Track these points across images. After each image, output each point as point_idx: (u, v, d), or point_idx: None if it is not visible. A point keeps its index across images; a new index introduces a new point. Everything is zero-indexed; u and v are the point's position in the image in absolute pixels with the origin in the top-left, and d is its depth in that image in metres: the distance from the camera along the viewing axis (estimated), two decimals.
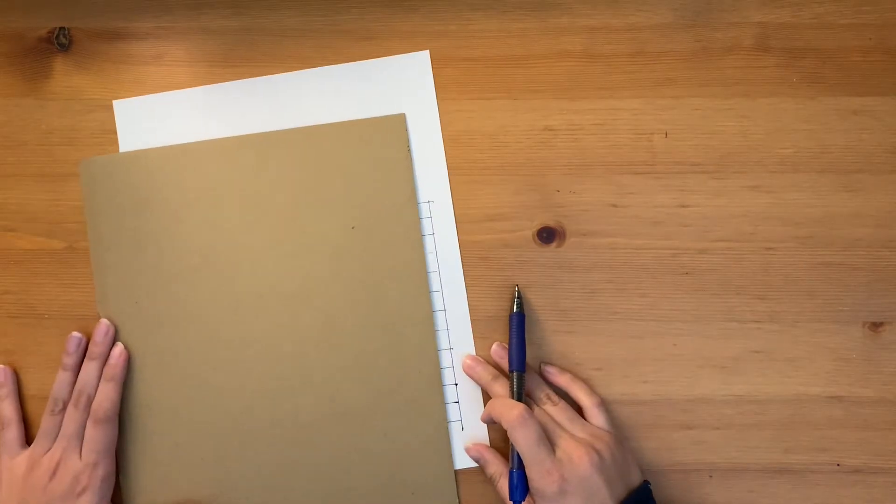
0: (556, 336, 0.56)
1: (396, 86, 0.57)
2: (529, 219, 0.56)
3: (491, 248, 0.56)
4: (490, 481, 0.53)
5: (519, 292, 0.54)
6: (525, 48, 0.58)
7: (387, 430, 0.54)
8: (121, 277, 0.55)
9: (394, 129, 0.56)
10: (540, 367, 0.55)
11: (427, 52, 0.57)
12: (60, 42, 0.58)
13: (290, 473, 0.54)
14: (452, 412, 0.55)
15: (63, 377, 0.54)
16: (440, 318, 0.56)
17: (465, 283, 0.56)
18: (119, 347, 0.54)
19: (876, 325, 0.55)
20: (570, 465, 0.48)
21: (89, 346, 0.54)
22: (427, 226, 0.56)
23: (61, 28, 0.58)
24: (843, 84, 0.57)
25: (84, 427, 0.52)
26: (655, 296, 0.56)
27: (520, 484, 0.50)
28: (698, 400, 0.55)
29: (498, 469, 0.52)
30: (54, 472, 0.51)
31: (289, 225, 0.56)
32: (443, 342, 0.55)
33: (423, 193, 0.57)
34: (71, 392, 0.53)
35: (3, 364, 0.56)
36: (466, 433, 0.55)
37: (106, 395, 0.53)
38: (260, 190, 0.56)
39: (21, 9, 0.58)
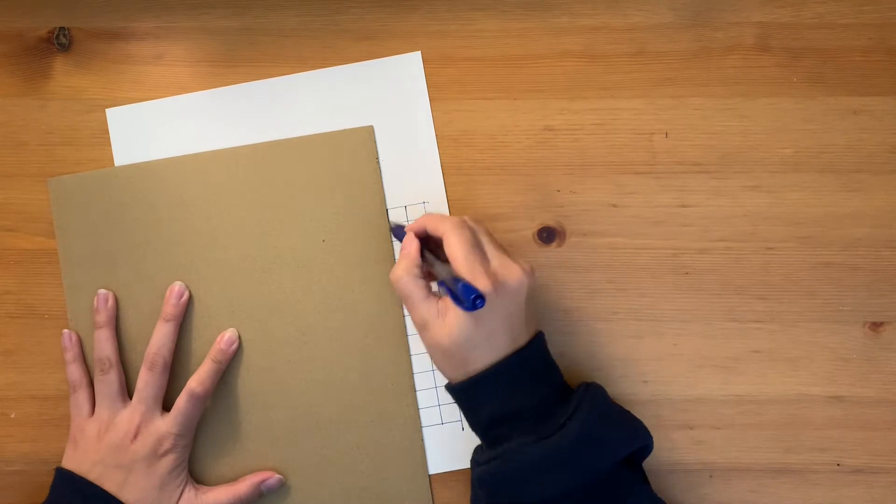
0: (556, 336, 0.56)
1: (389, 87, 0.57)
2: (529, 219, 0.56)
3: None
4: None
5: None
6: (525, 48, 0.58)
7: (360, 441, 0.54)
8: (93, 296, 0.55)
9: (362, 141, 0.56)
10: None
11: (419, 52, 0.57)
12: (60, 42, 0.58)
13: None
14: (447, 414, 0.55)
15: (102, 335, 0.53)
16: None
17: None
18: (233, 333, 0.54)
19: (876, 325, 0.55)
20: (505, 273, 0.46)
21: (164, 308, 0.54)
22: None
23: (61, 28, 0.58)
24: (843, 84, 0.57)
25: (162, 390, 0.53)
26: (655, 296, 0.56)
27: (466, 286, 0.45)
28: (698, 400, 0.55)
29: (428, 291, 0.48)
30: (136, 434, 0.51)
31: (259, 239, 0.56)
32: None
33: (418, 194, 0.56)
34: (114, 349, 0.53)
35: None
36: (467, 433, 0.55)
37: (209, 375, 0.53)
38: (229, 205, 0.56)
39: (21, 9, 0.58)
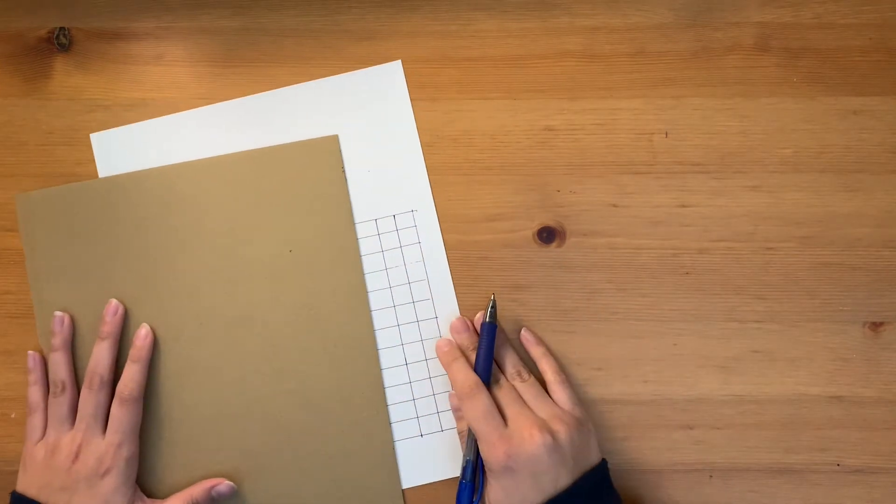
0: (556, 336, 0.56)
1: (372, 97, 0.57)
2: (529, 219, 0.56)
3: (491, 248, 0.56)
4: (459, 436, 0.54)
5: (494, 301, 0.53)
6: (525, 48, 0.58)
7: (332, 452, 0.54)
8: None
9: (327, 150, 0.56)
10: (520, 331, 0.55)
11: (399, 61, 0.57)
12: (60, 42, 0.58)
13: (234, 499, 0.54)
14: (425, 426, 0.55)
15: (56, 358, 0.54)
16: (433, 327, 0.55)
17: (466, 284, 0.56)
18: (145, 329, 0.54)
19: (876, 325, 0.55)
20: (520, 441, 0.48)
21: (100, 326, 0.54)
22: (412, 235, 0.56)
23: (61, 28, 0.58)
24: (843, 84, 0.57)
25: (101, 408, 0.52)
26: (655, 296, 0.56)
27: (468, 485, 0.51)
28: (698, 400, 0.55)
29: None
30: (77, 455, 0.51)
31: (226, 251, 0.55)
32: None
33: (406, 203, 0.56)
34: (68, 371, 0.53)
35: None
36: (441, 445, 0.55)
37: (131, 377, 0.53)
38: (196, 217, 0.56)
39: (21, 9, 0.58)
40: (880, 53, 0.57)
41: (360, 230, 0.56)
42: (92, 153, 0.57)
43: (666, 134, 0.57)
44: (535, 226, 0.56)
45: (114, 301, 0.54)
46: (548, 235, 0.56)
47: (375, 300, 0.56)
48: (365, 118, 0.57)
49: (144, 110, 0.57)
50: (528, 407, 0.51)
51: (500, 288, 0.56)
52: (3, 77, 0.58)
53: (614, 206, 0.56)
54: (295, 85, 0.57)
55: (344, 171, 0.56)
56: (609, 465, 0.51)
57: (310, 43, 0.58)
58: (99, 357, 0.53)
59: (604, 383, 0.55)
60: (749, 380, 0.55)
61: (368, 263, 0.56)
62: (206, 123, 0.57)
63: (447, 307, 0.56)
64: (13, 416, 0.56)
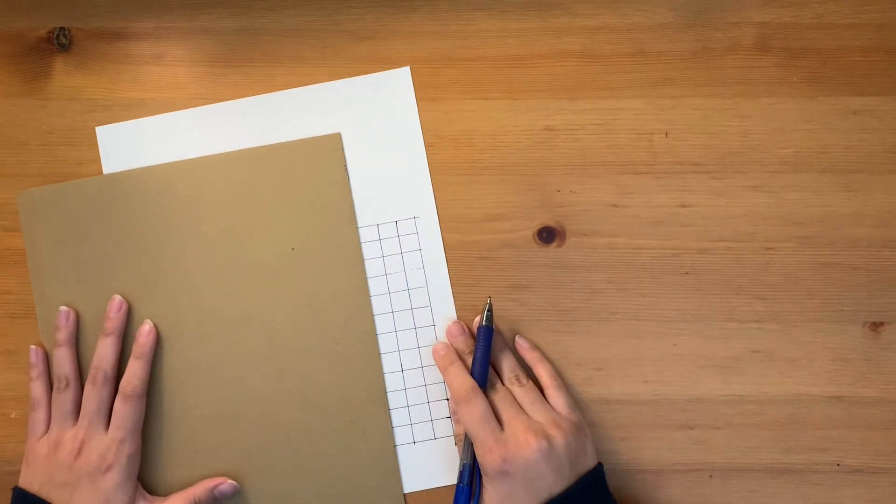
0: (556, 336, 0.56)
1: (378, 101, 0.57)
2: (529, 219, 0.56)
3: (491, 248, 0.56)
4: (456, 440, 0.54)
5: (490, 305, 0.53)
6: (525, 48, 0.58)
7: (332, 452, 0.54)
8: None
9: (330, 148, 0.56)
10: (514, 338, 0.55)
11: (407, 67, 0.57)
12: (60, 42, 0.58)
13: (235, 499, 0.54)
14: (419, 433, 0.55)
15: (60, 353, 0.54)
16: (430, 334, 0.55)
17: (466, 284, 0.56)
18: (148, 325, 0.54)
19: (876, 325, 0.55)
20: (516, 446, 0.48)
21: (104, 322, 0.54)
22: (414, 241, 0.56)
23: (61, 28, 0.58)
24: (843, 84, 0.57)
25: (105, 404, 0.52)
26: (655, 296, 0.56)
27: (466, 487, 0.51)
28: (698, 400, 0.55)
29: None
30: (80, 451, 0.51)
31: (228, 249, 0.55)
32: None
33: (409, 209, 0.56)
34: (72, 367, 0.53)
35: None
36: (439, 450, 0.55)
37: (134, 373, 0.53)
38: (198, 215, 0.56)
39: (21, 9, 0.58)
40: (880, 53, 0.57)
41: (362, 235, 0.56)
42: (92, 153, 0.57)
43: (666, 134, 0.57)
44: (535, 226, 0.56)
45: (118, 297, 0.54)
46: (548, 235, 0.56)
47: (374, 305, 0.55)
48: (370, 122, 0.57)
49: (144, 110, 0.57)
50: (525, 412, 0.51)
51: (499, 288, 0.56)
52: (3, 77, 0.58)
53: (614, 206, 0.56)
54: (301, 87, 0.57)
55: (346, 170, 0.56)
56: (607, 468, 0.52)
57: (310, 43, 0.58)
58: (103, 353, 0.53)
59: (604, 383, 0.55)
60: (749, 380, 0.55)
61: (369, 268, 0.56)
62: (211, 121, 0.57)
63: (445, 315, 0.56)
64: (13, 415, 0.56)
